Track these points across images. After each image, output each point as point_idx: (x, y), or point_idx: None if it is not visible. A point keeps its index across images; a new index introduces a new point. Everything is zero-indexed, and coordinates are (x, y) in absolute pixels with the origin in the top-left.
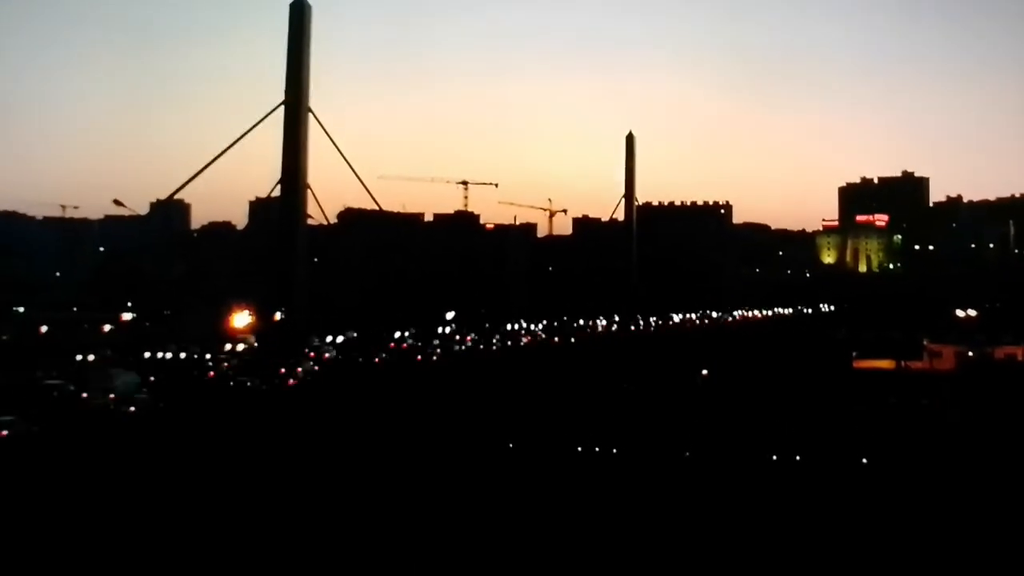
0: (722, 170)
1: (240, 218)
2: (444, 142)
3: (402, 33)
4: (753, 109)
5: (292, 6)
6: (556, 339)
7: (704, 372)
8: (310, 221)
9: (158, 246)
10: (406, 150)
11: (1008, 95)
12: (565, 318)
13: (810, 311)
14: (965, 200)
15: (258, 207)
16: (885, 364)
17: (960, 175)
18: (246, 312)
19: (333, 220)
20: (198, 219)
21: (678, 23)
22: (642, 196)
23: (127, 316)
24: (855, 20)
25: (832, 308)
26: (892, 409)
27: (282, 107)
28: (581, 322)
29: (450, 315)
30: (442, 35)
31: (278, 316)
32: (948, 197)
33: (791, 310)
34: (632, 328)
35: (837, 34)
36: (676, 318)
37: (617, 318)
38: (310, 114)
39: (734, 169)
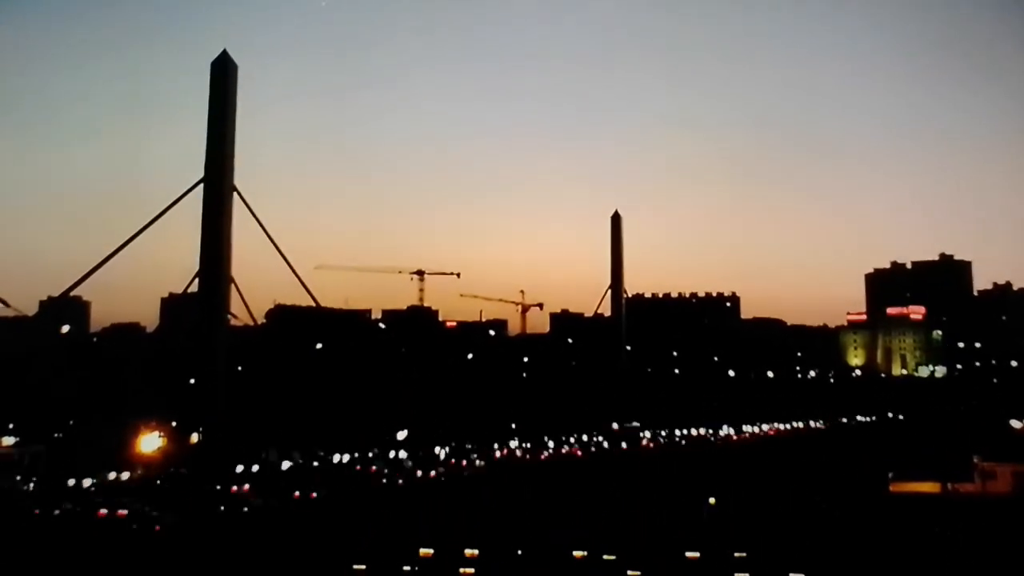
0: (727, 256)
1: (150, 318)
2: (395, 227)
3: (345, 104)
4: (762, 184)
5: (214, 64)
6: (535, 456)
7: (711, 500)
8: (234, 321)
9: (48, 352)
10: (350, 237)
11: None
12: (543, 437)
13: (835, 423)
14: (1015, 288)
15: (172, 305)
16: (928, 487)
17: (1008, 259)
18: (156, 432)
19: (261, 320)
20: (100, 320)
21: (670, 85)
22: (632, 287)
23: (7, 440)
24: (881, 82)
25: (862, 419)
26: (937, 543)
27: (201, 186)
28: (560, 441)
29: (402, 434)
30: (393, 104)
31: (195, 437)
32: (995, 284)
33: (812, 423)
34: (624, 445)
35: (860, 98)
36: (676, 432)
37: (601, 437)
38: (235, 194)
39: (741, 255)
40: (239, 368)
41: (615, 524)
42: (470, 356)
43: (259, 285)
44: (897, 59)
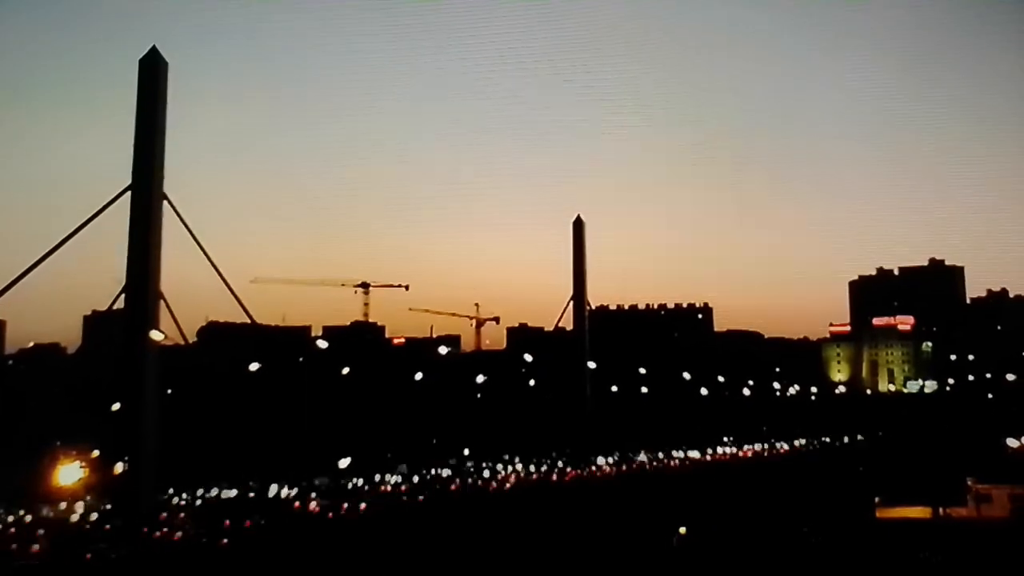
0: (698, 265)
1: (72, 338)
2: (338, 236)
3: (284, 106)
4: (736, 187)
5: (142, 62)
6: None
7: (682, 530)
8: (163, 340)
9: None
10: (289, 247)
11: None
12: (499, 459)
13: (817, 444)
14: (1012, 295)
15: (95, 323)
16: (918, 512)
17: (1002, 264)
18: (77, 463)
19: (192, 338)
20: (16, 340)
21: (637, 85)
22: (596, 298)
23: None
24: (866, 79)
25: (847, 439)
26: (928, 573)
27: (128, 194)
28: (517, 468)
29: (344, 462)
30: (336, 107)
31: (120, 467)
32: (989, 292)
33: (793, 443)
34: (585, 470)
35: (844, 96)
36: (643, 456)
37: (562, 461)
38: (165, 202)
39: (714, 263)
40: (168, 391)
41: (574, 558)
42: (419, 376)
43: (191, 301)
44: (882, 58)
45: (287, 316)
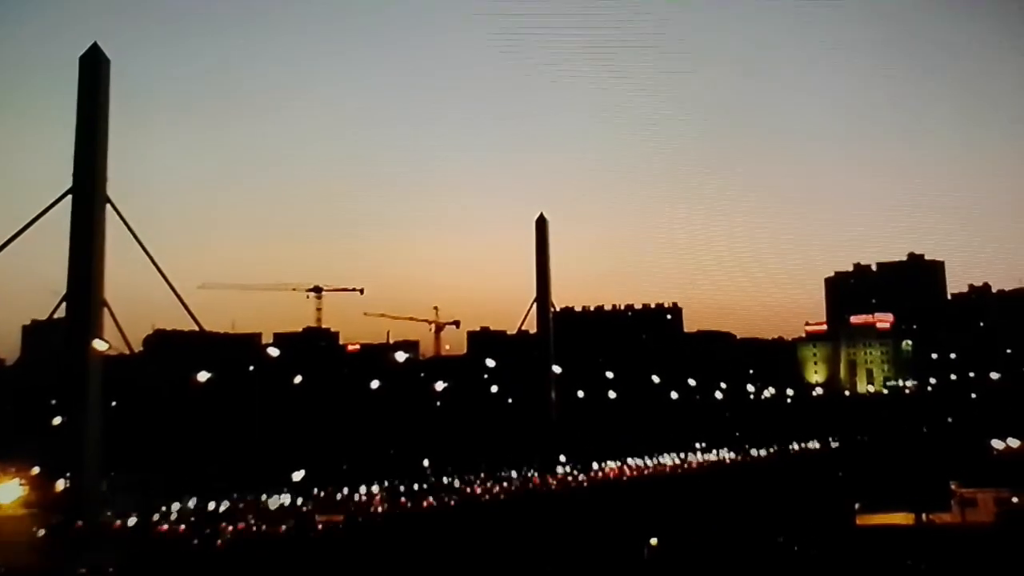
0: (667, 264)
1: (10, 349)
2: (289, 238)
3: (231, 103)
4: (706, 183)
5: (83, 59)
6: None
7: (653, 541)
8: (107, 350)
9: None
10: (238, 251)
11: None
12: (459, 473)
13: (794, 448)
14: (994, 290)
15: (35, 333)
16: (899, 518)
17: (985, 258)
18: (16, 480)
19: (138, 347)
20: None
21: (601, 77)
22: (560, 300)
23: None
24: (841, 74)
25: (824, 442)
26: None
27: (69, 197)
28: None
29: (298, 475)
30: (286, 102)
31: (61, 484)
32: (971, 287)
33: (768, 448)
34: (551, 480)
35: (818, 86)
36: (611, 464)
37: (527, 468)
38: (108, 206)
39: (683, 262)
40: (113, 404)
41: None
42: (375, 383)
43: (136, 308)
44: (859, 46)
45: (237, 323)
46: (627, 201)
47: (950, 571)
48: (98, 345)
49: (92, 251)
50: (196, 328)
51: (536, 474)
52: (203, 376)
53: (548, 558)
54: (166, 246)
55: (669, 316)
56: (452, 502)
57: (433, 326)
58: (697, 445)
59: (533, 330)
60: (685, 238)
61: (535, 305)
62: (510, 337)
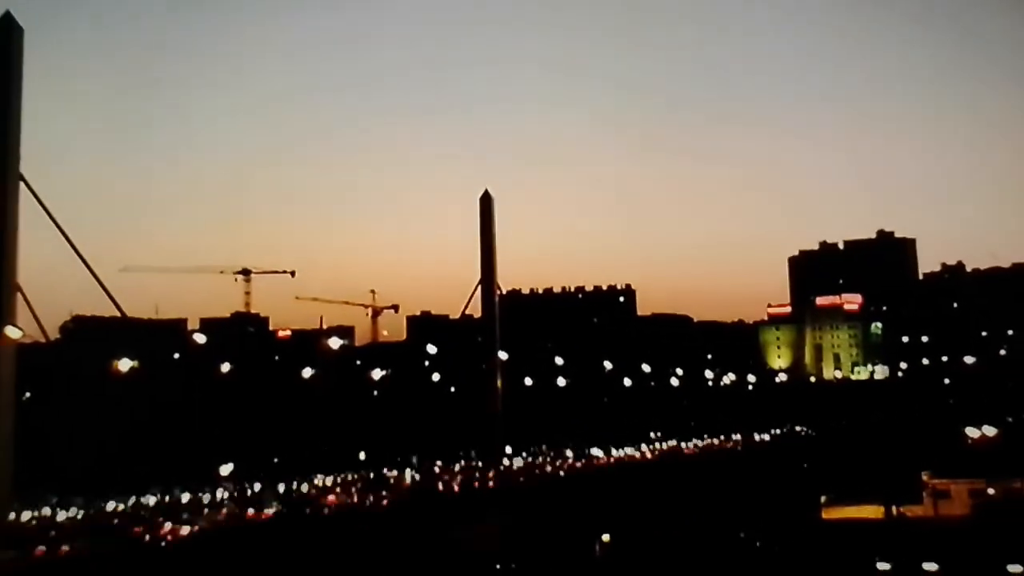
0: (619, 243)
1: None
2: (215, 218)
3: (153, 73)
4: (660, 157)
5: None
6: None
7: (605, 537)
8: (21, 337)
9: None
10: (161, 232)
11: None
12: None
13: (755, 438)
14: (969, 269)
15: None
16: (868, 512)
17: (958, 235)
18: None
19: (54, 335)
20: None
21: (549, 41)
22: (507, 282)
23: None
24: (804, 34)
25: (788, 431)
26: None
27: None
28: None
29: (226, 469)
30: (209, 69)
31: None
32: (944, 266)
33: (728, 438)
34: (494, 473)
35: (780, 53)
36: (561, 454)
37: (473, 459)
38: (21, 183)
39: (636, 241)
40: (27, 395)
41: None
42: (308, 371)
43: (52, 293)
44: (825, 10)
45: (161, 308)
46: (578, 176)
47: (922, 569)
48: (11, 332)
49: (4, 232)
50: (117, 314)
51: (480, 467)
52: (125, 364)
53: (493, 557)
54: (85, 227)
55: (622, 298)
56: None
57: (370, 310)
58: (652, 435)
59: (477, 314)
60: (639, 215)
61: (479, 288)
62: (453, 322)
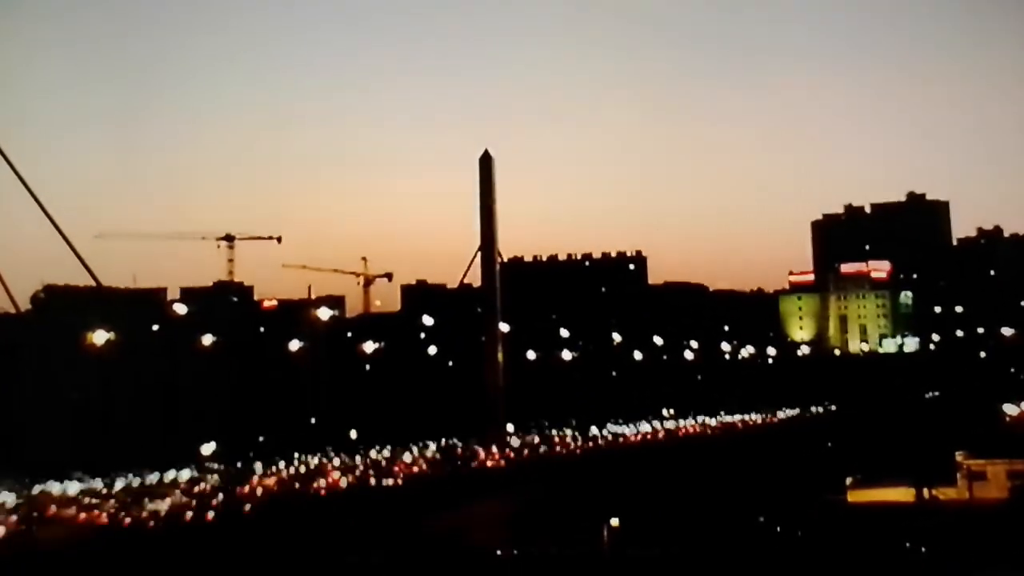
0: (630, 207)
1: None
2: (196, 181)
3: (130, 28)
4: (675, 116)
5: None
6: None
7: (614, 521)
8: None
9: None
10: (139, 196)
11: None
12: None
13: (776, 415)
14: (1006, 233)
15: None
16: (898, 494)
17: (993, 198)
18: None
19: (25, 306)
20: None
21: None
22: (508, 249)
23: None
24: None
25: (811, 409)
26: (911, 567)
27: None
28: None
29: (208, 448)
30: (190, 22)
31: None
32: (980, 231)
33: (746, 416)
34: (497, 453)
35: (806, 5)
36: (566, 433)
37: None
38: None
39: (648, 205)
40: None
41: (487, 555)
42: (295, 344)
43: (23, 262)
44: None
45: (139, 277)
46: (584, 136)
47: (955, 555)
48: None
49: None
50: (92, 283)
51: (480, 447)
52: (100, 337)
53: (494, 543)
54: (58, 192)
55: (632, 266)
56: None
57: (361, 279)
58: (665, 412)
59: (477, 283)
60: (651, 178)
61: (479, 255)
62: (450, 291)
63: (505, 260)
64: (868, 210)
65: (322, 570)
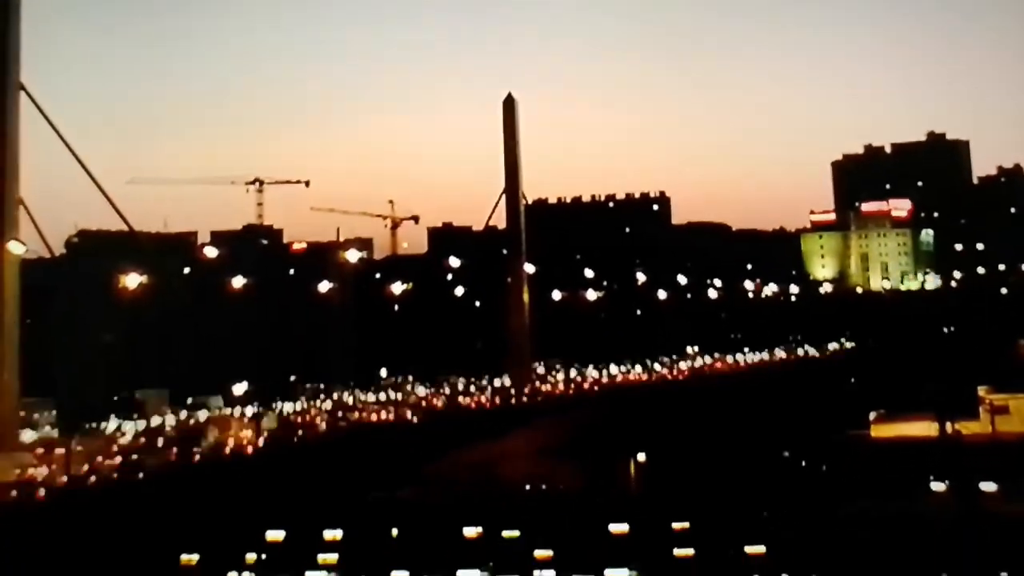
0: (653, 148)
1: None
2: (226, 127)
3: None
4: (696, 56)
5: None
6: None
7: (641, 457)
8: (25, 253)
9: None
10: (170, 142)
11: None
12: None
13: (799, 352)
14: None
15: None
16: (920, 430)
17: (1014, 136)
18: None
19: (59, 250)
20: None
21: None
22: (533, 191)
23: None
24: None
25: (834, 346)
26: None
27: None
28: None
29: (240, 388)
30: None
31: None
32: (1000, 169)
33: (769, 353)
34: (524, 393)
35: None
36: (590, 373)
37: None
38: (22, 93)
39: (671, 146)
40: (29, 318)
41: (515, 491)
42: (324, 286)
43: (57, 207)
44: None
45: (170, 221)
46: (608, 77)
47: (979, 489)
48: (13, 248)
49: (4, 144)
50: (124, 228)
51: (507, 385)
52: (133, 280)
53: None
54: (90, 138)
55: (656, 207)
56: (415, 417)
57: (389, 222)
58: (689, 350)
59: (502, 225)
60: (673, 118)
61: (504, 197)
62: (476, 233)
63: (530, 202)
64: (888, 150)
65: (350, 506)
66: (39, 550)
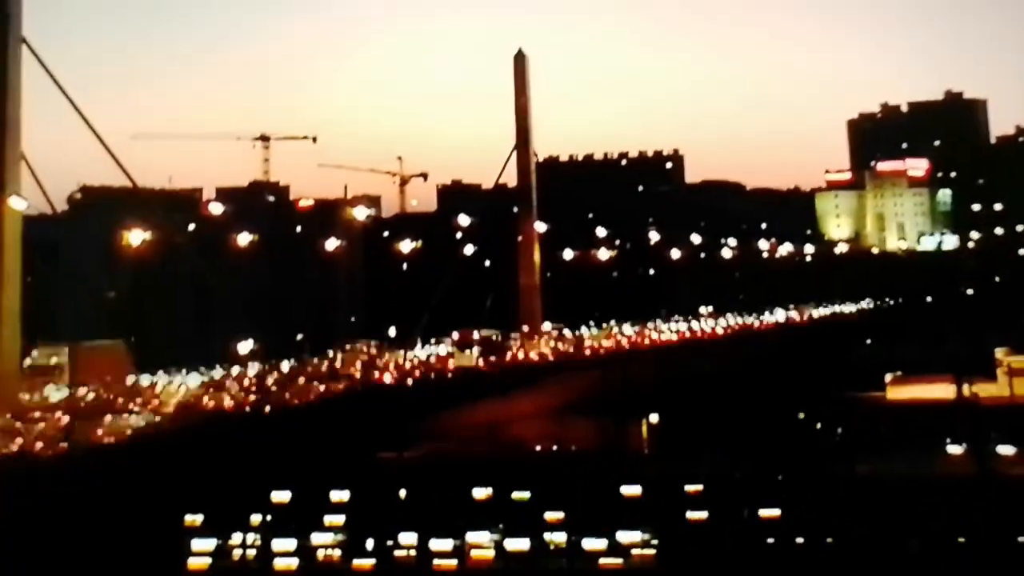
0: (666, 105)
1: None
2: (231, 81)
3: None
4: (710, 12)
5: None
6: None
7: (653, 418)
8: (27, 209)
9: None
10: (174, 96)
11: None
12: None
13: (814, 313)
14: None
15: None
16: (937, 392)
17: None
18: None
19: (61, 207)
20: None
21: None
22: (544, 148)
23: None
24: None
25: (849, 307)
26: (954, 468)
27: None
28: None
29: (245, 346)
30: None
31: None
32: (1018, 128)
33: (785, 313)
34: (535, 349)
35: None
36: (603, 330)
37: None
38: (24, 46)
39: (684, 103)
40: (29, 277)
41: (526, 452)
42: (332, 243)
43: (59, 163)
44: None
45: (175, 177)
46: (620, 33)
47: (996, 452)
48: (15, 204)
49: (6, 98)
50: (128, 184)
51: (518, 343)
52: (137, 237)
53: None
54: (94, 93)
55: (669, 164)
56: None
57: (397, 178)
58: (703, 310)
59: (512, 183)
60: (687, 75)
61: (514, 154)
62: (486, 191)
63: (541, 160)
64: (905, 109)
65: (357, 466)
66: (43, 513)
